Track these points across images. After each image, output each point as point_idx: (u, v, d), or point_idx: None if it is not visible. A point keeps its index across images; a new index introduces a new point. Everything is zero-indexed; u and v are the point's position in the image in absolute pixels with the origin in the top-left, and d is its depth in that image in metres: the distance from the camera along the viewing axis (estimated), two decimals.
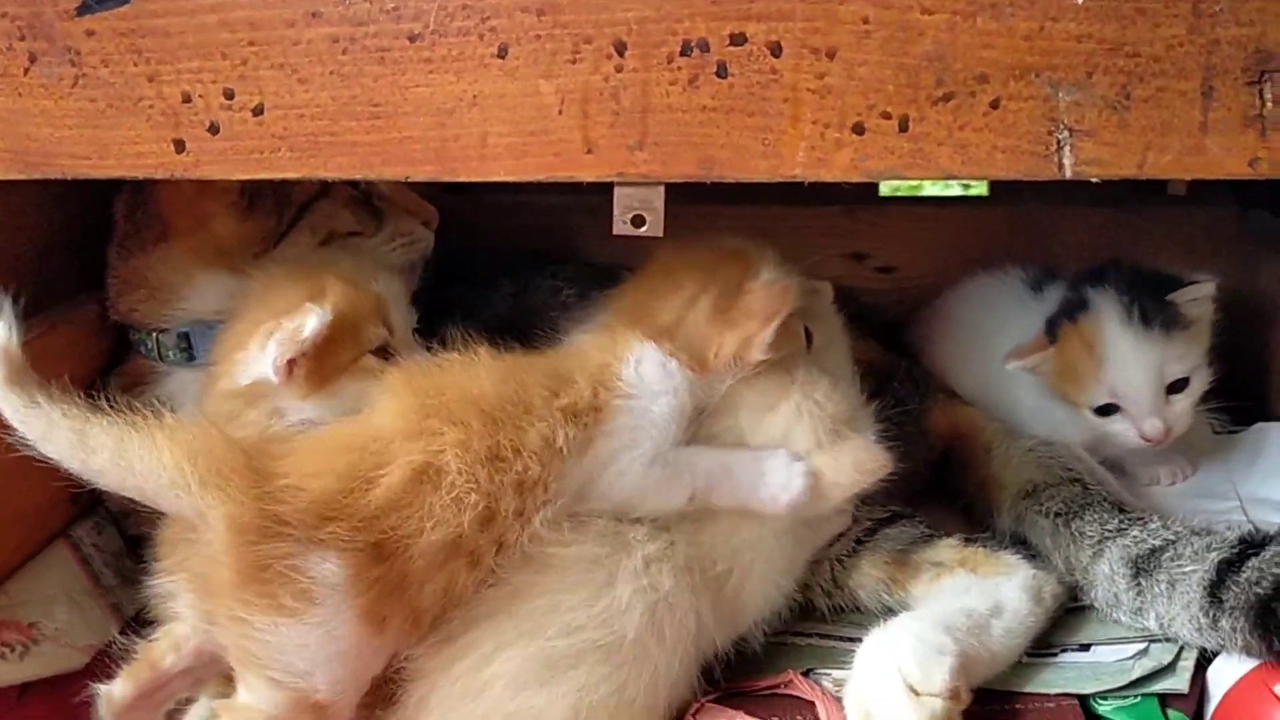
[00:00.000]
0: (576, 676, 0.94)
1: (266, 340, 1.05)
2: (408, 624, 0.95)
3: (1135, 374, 1.22)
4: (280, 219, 1.19)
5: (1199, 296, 1.23)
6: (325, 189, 1.21)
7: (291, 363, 1.05)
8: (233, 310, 1.13)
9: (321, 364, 1.07)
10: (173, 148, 0.91)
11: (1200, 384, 1.24)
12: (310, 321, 1.04)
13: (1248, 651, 1.02)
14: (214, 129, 0.90)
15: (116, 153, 0.92)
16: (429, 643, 0.96)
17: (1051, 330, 1.27)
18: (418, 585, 0.94)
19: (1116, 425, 1.25)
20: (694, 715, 1.03)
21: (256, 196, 1.18)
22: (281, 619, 0.89)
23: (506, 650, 0.95)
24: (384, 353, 1.11)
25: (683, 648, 0.99)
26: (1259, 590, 1.01)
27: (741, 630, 1.07)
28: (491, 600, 0.97)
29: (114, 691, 0.98)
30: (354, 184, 1.24)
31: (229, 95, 0.90)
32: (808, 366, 1.08)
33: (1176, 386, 1.23)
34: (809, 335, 1.14)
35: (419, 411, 0.96)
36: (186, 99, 0.90)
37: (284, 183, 1.18)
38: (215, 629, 0.92)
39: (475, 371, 0.99)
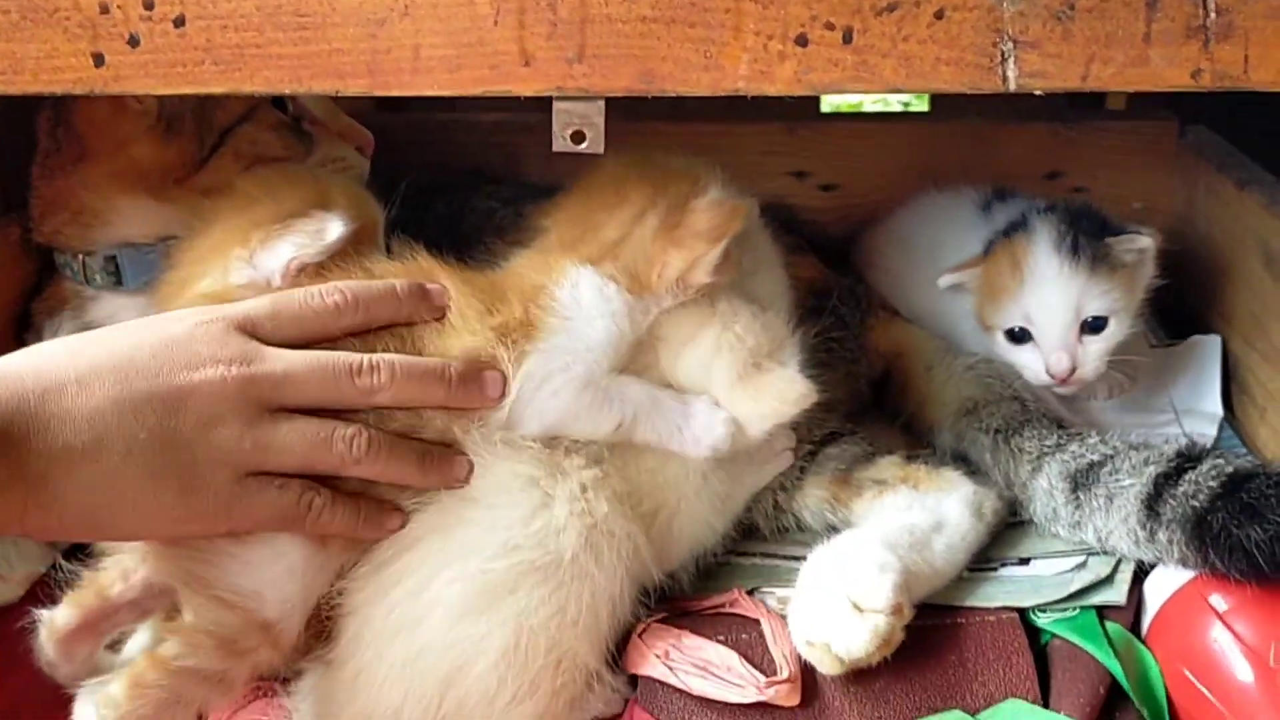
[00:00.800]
0: (516, 601, 0.94)
1: (278, 239, 1.00)
2: (351, 540, 0.94)
3: (1052, 299, 1.20)
4: (202, 144, 1.16)
5: (1136, 248, 1.22)
6: (249, 112, 1.17)
7: (300, 268, 1.00)
8: (212, 209, 1.08)
9: (321, 274, 1.03)
10: (91, 61, 0.87)
11: (1118, 331, 1.22)
12: (335, 227, 1.00)
13: (1184, 563, 1.03)
14: (134, 41, 0.87)
15: (32, 67, 0.88)
16: (360, 574, 0.96)
17: (988, 249, 1.27)
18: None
19: (1025, 355, 1.23)
20: (640, 636, 1.03)
21: (175, 120, 1.14)
22: (227, 541, 0.88)
23: (444, 573, 0.94)
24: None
25: (621, 570, 0.98)
26: (1194, 504, 1.02)
27: (673, 566, 1.07)
28: (423, 524, 0.96)
29: (56, 618, 0.95)
30: (282, 107, 1.20)
31: (148, 5, 0.86)
32: (729, 297, 1.05)
33: (1094, 326, 1.22)
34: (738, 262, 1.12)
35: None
36: (104, 9, 0.86)
37: (205, 106, 1.14)
38: (159, 553, 0.90)
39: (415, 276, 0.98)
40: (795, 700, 0.98)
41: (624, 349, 1.03)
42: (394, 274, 1.01)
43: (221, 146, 1.16)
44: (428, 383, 0.94)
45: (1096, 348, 1.22)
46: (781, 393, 1.02)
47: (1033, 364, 1.23)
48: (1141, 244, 1.22)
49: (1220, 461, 1.06)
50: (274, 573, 0.90)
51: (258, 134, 1.18)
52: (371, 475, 0.93)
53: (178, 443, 0.85)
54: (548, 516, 0.96)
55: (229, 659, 0.89)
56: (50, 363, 0.84)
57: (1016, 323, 1.23)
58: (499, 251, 1.09)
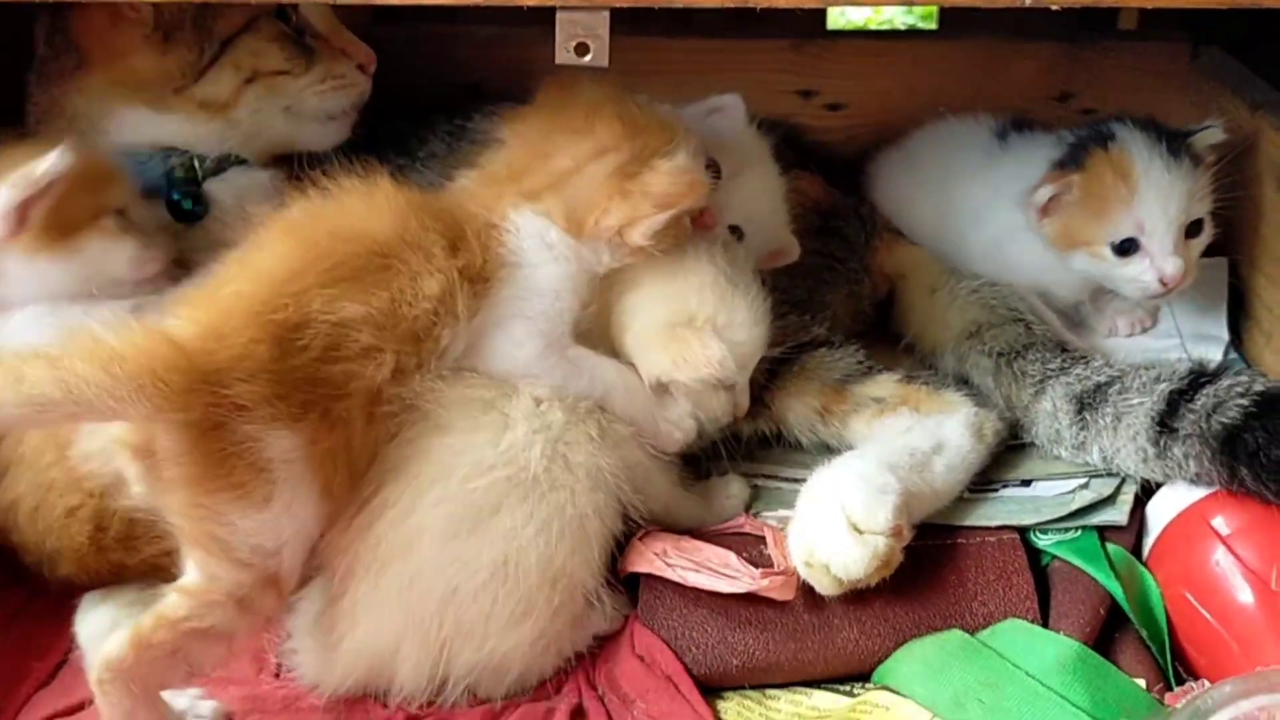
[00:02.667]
0: (500, 520, 0.94)
1: None
2: (347, 487, 0.94)
3: (1167, 206, 1.18)
4: (201, 53, 1.14)
5: (1214, 141, 1.22)
6: (250, 23, 1.15)
7: (25, 208, 0.99)
8: None
9: (58, 214, 1.02)
10: None
11: (1209, 233, 1.22)
12: (47, 160, 0.99)
13: (1201, 479, 1.03)
14: None
15: None
16: (342, 519, 0.95)
17: (1073, 160, 1.22)
18: (358, 447, 0.93)
19: (1132, 268, 1.20)
20: (639, 539, 1.04)
21: (174, 29, 1.13)
22: (250, 505, 0.87)
23: (426, 497, 0.94)
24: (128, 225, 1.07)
25: (592, 476, 0.98)
26: (1223, 419, 1.02)
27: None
28: (398, 455, 0.96)
29: None
30: (285, 19, 1.17)
31: None
32: (706, 256, 1.03)
33: (1192, 230, 1.20)
34: (716, 168, 1.10)
35: (316, 266, 0.93)
36: None
37: (205, 16, 1.12)
38: (174, 517, 0.89)
39: (374, 210, 0.96)
40: (790, 594, 0.98)
41: (578, 295, 1.01)
42: (354, 195, 0.98)
43: (222, 57, 1.14)
44: None
45: (1196, 250, 1.22)
46: (691, 352, 0.99)
47: (1143, 274, 1.20)
48: (1217, 137, 1.22)
49: (1244, 378, 1.05)
50: (291, 531, 0.90)
51: (259, 45, 1.16)
52: None
53: None
54: (511, 435, 0.97)
55: (242, 617, 0.89)
56: None
57: (1127, 234, 1.20)
58: (451, 165, 1.07)
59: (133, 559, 0.98)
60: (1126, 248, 1.20)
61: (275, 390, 0.87)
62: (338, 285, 0.92)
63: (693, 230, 1.05)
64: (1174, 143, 1.20)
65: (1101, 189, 1.20)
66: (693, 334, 1.00)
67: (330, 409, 0.90)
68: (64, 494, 1.00)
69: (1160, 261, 1.19)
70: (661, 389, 1.04)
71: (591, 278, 1.02)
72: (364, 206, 0.97)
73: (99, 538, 1.00)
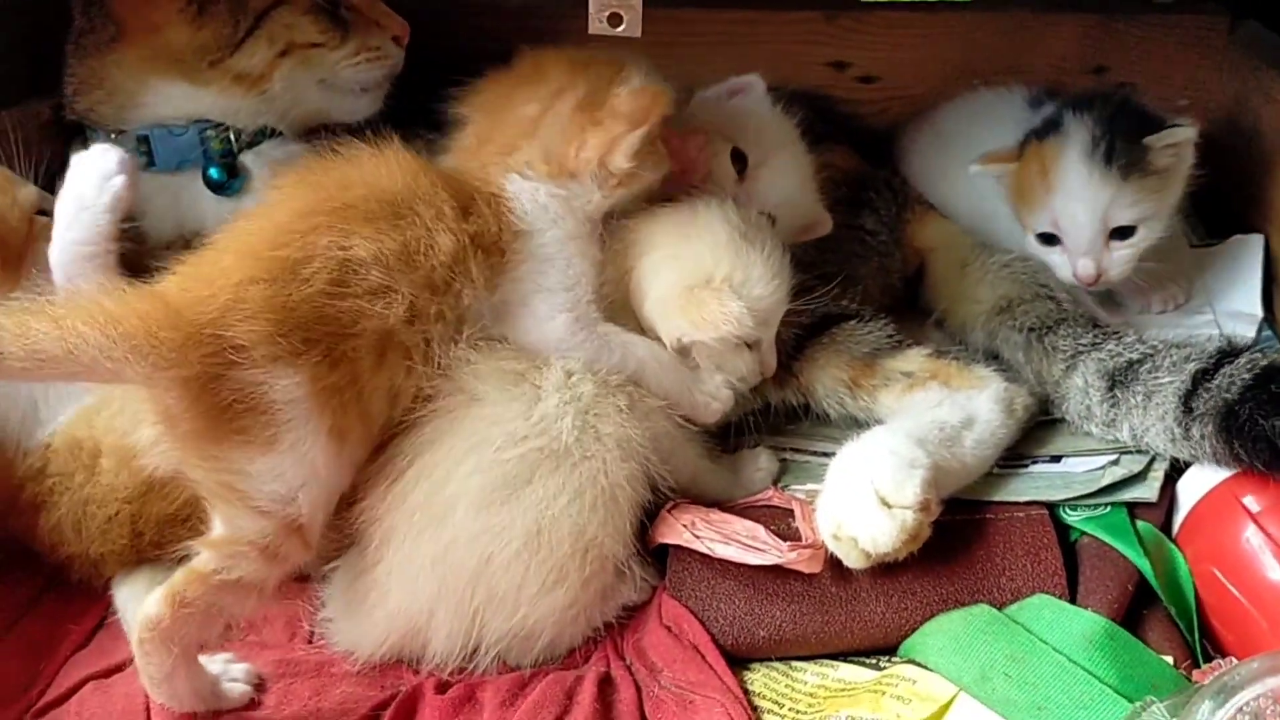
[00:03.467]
0: (533, 490, 0.96)
1: None
2: (363, 434, 0.95)
3: (1079, 210, 1.18)
4: (236, 26, 1.14)
5: (1176, 141, 1.18)
6: None
7: None
8: None
9: None
10: None
11: (1148, 236, 1.20)
12: None
13: (1214, 458, 1.03)
14: None
15: None
16: (380, 482, 0.97)
17: (1023, 146, 1.23)
18: (367, 389, 0.94)
19: (1055, 257, 1.22)
20: (669, 510, 1.04)
21: (208, 2, 1.13)
22: (257, 450, 0.88)
23: (461, 467, 0.95)
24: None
25: (622, 447, 0.99)
26: (1226, 396, 1.01)
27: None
28: (433, 428, 0.97)
29: None
30: None
31: None
32: (720, 215, 1.04)
33: (1122, 233, 1.19)
34: (742, 158, 1.11)
35: (324, 206, 0.94)
36: None
37: None
38: (192, 472, 0.90)
39: (385, 167, 0.97)
40: (818, 567, 0.99)
41: (586, 256, 1.02)
42: (365, 154, 0.99)
43: (256, 30, 1.14)
44: None
45: (1123, 254, 1.20)
46: (709, 311, 1.00)
47: (1061, 266, 1.22)
48: (1180, 136, 1.18)
49: (1258, 355, 1.05)
50: (303, 476, 0.91)
51: (293, 18, 1.16)
52: None
53: None
54: (543, 407, 0.98)
55: (270, 566, 0.90)
56: None
57: (1045, 228, 1.21)
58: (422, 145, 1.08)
59: (169, 550, 1.00)
60: (1049, 238, 1.22)
61: (275, 327, 0.88)
62: (348, 224, 0.93)
63: (686, 181, 1.07)
64: (1120, 144, 1.17)
65: (1028, 180, 1.21)
66: (710, 293, 1.00)
67: (335, 346, 0.91)
68: (101, 505, 1.03)
69: (1073, 260, 1.20)
70: (685, 352, 1.04)
71: (592, 228, 1.03)
72: (375, 162, 0.98)
73: (137, 539, 1.04)
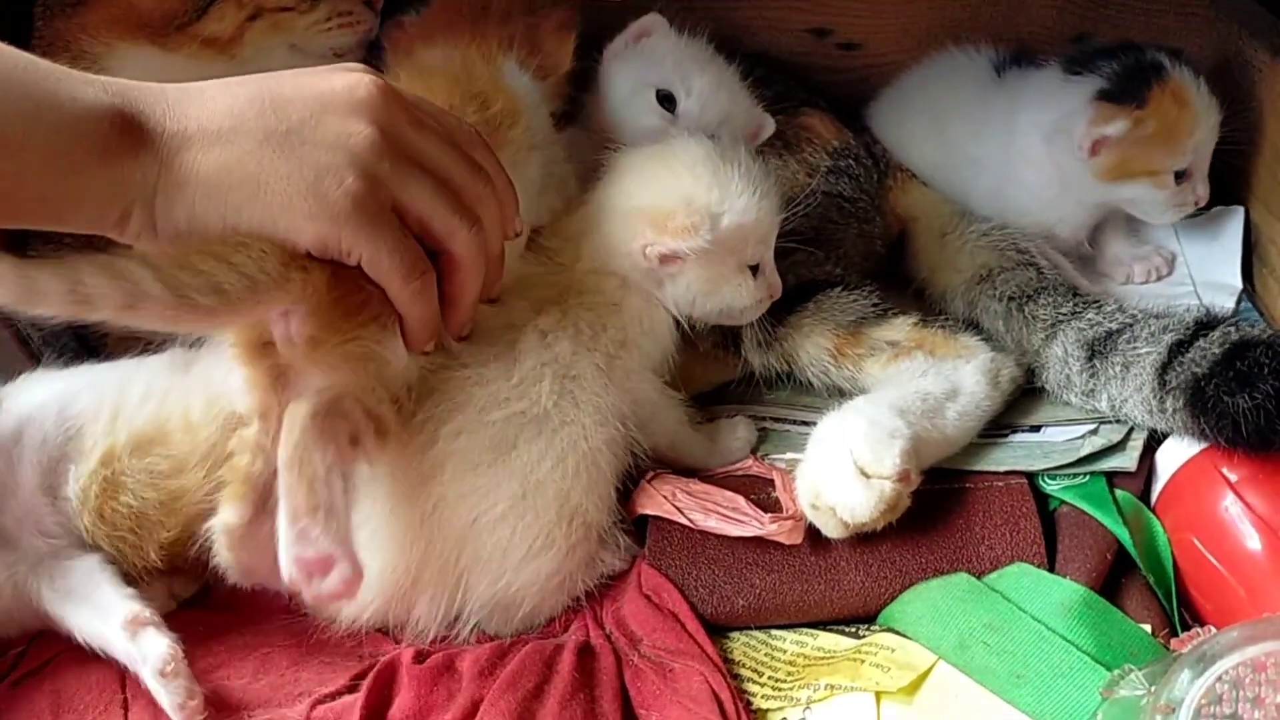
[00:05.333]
0: (518, 455, 0.96)
1: None
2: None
3: (1213, 129, 1.25)
4: None
5: None
6: None
7: None
8: None
9: None
10: None
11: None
12: None
13: (1186, 431, 1.03)
14: None
15: None
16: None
17: (1129, 94, 1.22)
18: None
19: (1182, 193, 1.25)
20: (649, 481, 1.04)
21: None
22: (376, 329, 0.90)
23: (445, 427, 0.96)
24: None
25: (600, 411, 0.99)
26: (1196, 370, 1.01)
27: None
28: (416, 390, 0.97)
29: (227, 520, 0.92)
30: None
31: None
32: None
33: None
34: (670, 99, 1.16)
35: None
36: None
37: None
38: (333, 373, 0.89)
39: None
40: (798, 539, 0.99)
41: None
42: None
43: None
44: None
45: None
46: (678, 220, 1.00)
47: (1187, 198, 1.26)
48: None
49: (1230, 329, 1.04)
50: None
51: None
52: (464, 262, 0.92)
53: (315, 140, 0.84)
54: (522, 367, 0.98)
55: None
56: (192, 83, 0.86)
57: (1186, 163, 1.24)
58: None
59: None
60: (1180, 174, 1.25)
61: None
62: None
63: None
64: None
65: (1169, 121, 1.22)
66: (681, 209, 1.00)
67: None
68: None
69: (1197, 184, 1.25)
70: (656, 280, 1.04)
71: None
72: None
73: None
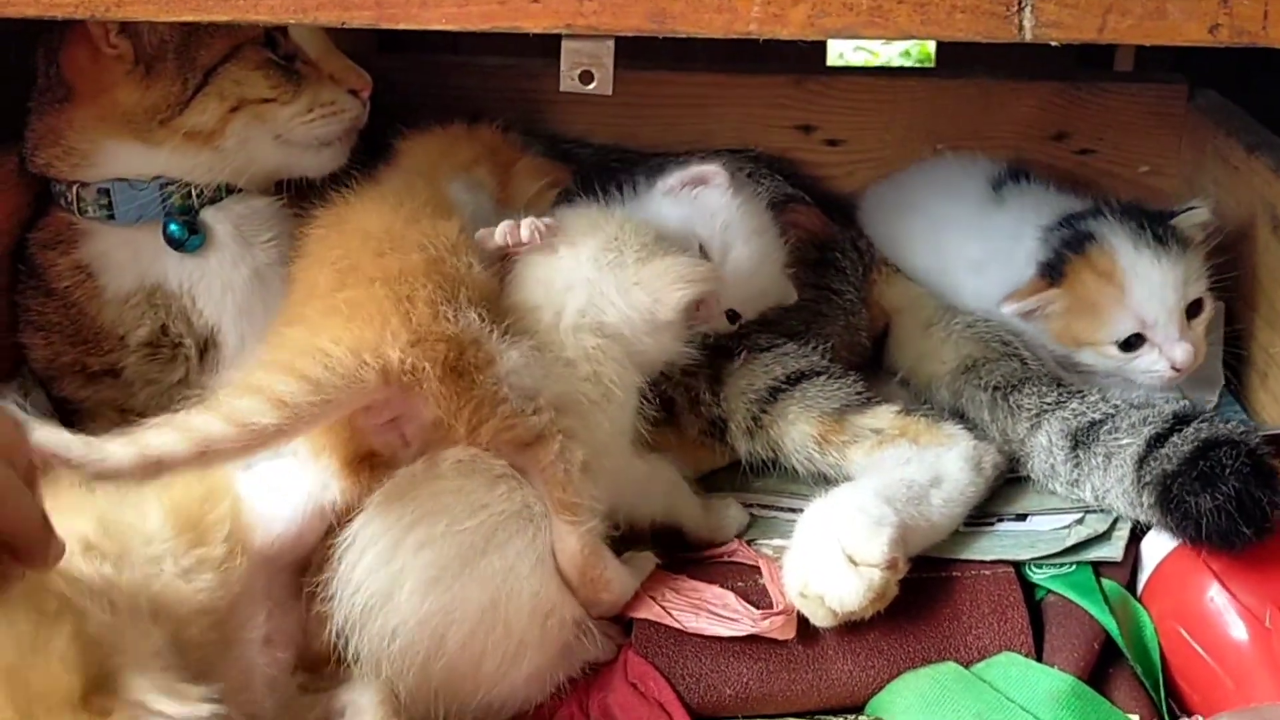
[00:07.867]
0: (490, 562, 0.92)
1: None
2: None
3: (1165, 294, 1.16)
4: (185, 84, 1.12)
5: (1201, 220, 1.20)
6: (234, 51, 1.14)
7: None
8: None
9: None
10: None
11: (1210, 308, 1.20)
12: None
13: (1160, 528, 1.03)
14: None
15: None
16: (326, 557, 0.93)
17: (1053, 270, 1.20)
18: None
19: (1143, 360, 1.19)
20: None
21: (156, 61, 1.11)
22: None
23: (409, 539, 0.91)
24: None
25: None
26: (1167, 466, 1.02)
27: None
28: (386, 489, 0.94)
29: None
30: (273, 46, 1.17)
31: None
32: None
33: (1193, 310, 1.19)
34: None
35: None
36: None
37: (188, 45, 1.11)
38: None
39: None
40: (790, 633, 0.98)
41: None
42: None
43: (206, 86, 1.12)
44: None
45: (1200, 330, 1.19)
46: (680, 273, 1.01)
47: (1154, 365, 1.18)
48: (1202, 216, 1.20)
49: (1204, 425, 1.05)
50: None
51: (242, 74, 1.14)
52: None
53: None
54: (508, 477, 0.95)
55: None
56: None
57: (1130, 330, 1.18)
58: None
59: None
60: (1133, 342, 1.18)
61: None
62: None
63: None
64: (1158, 227, 1.18)
65: (1088, 294, 1.19)
66: (664, 262, 1.02)
67: None
68: None
69: (1169, 350, 1.17)
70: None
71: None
72: None
73: None
